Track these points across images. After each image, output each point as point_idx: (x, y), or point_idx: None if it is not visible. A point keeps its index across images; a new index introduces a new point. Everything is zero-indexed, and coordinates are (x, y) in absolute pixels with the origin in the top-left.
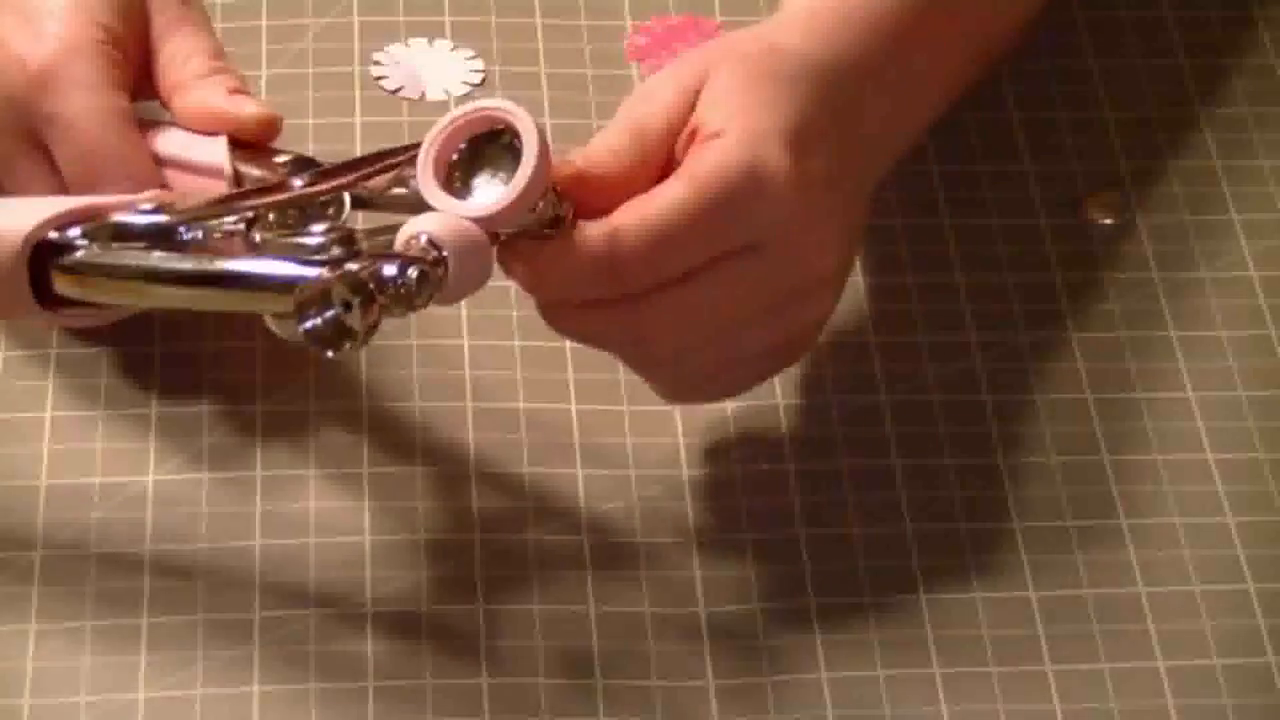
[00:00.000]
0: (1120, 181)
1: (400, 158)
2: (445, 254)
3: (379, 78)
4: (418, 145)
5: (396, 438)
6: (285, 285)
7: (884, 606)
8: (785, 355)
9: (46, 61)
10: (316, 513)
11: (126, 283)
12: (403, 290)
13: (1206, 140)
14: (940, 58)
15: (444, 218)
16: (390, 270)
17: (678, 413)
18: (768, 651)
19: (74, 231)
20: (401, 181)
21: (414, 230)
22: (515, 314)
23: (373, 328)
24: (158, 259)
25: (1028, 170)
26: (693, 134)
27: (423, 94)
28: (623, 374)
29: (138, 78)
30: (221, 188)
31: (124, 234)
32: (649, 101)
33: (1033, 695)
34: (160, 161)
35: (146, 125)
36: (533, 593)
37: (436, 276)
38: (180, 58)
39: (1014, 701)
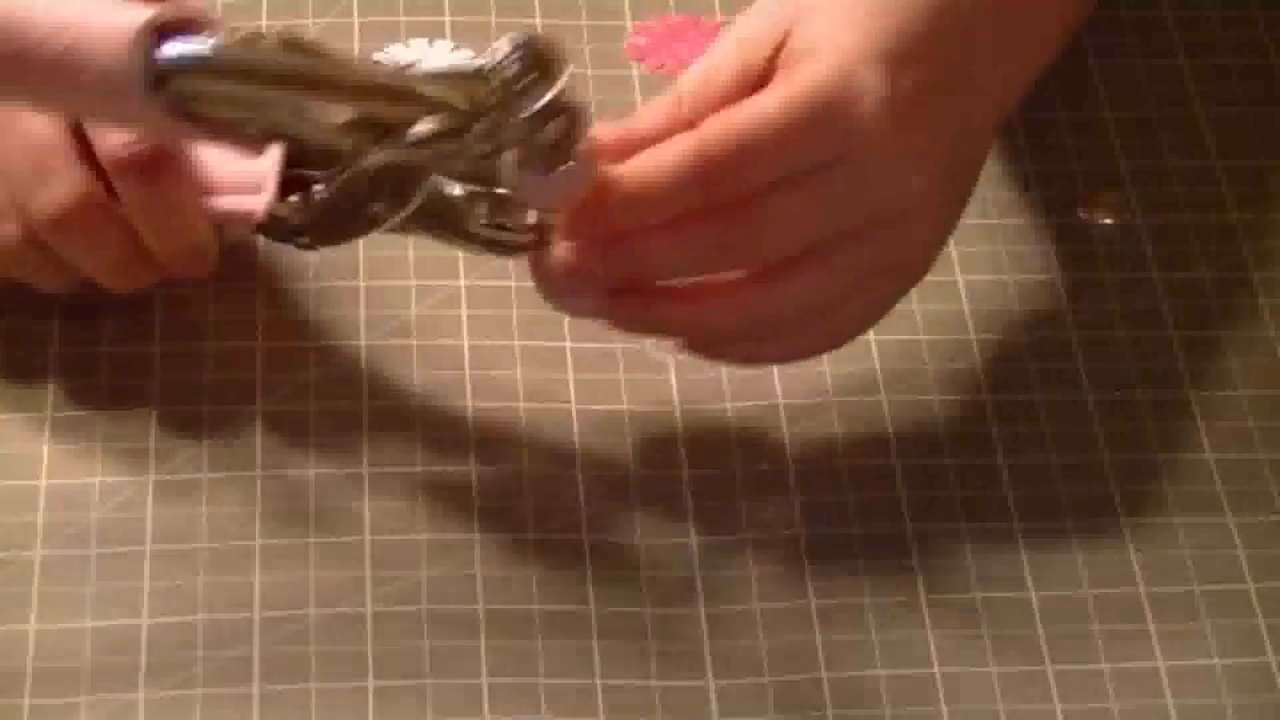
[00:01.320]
0: (1120, 181)
1: None
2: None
3: None
4: None
5: (396, 437)
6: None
7: (884, 606)
8: (879, 290)
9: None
10: (316, 512)
11: (270, 82)
12: (564, 112)
13: (1206, 140)
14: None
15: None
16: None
17: (678, 412)
18: (768, 651)
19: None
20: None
21: None
22: (515, 314)
23: (556, 113)
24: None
25: (1028, 170)
26: (786, 56)
27: None
28: (623, 374)
29: None
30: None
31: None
32: (748, 27)
33: (1033, 695)
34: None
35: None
36: (533, 592)
37: (576, 133)
38: None
39: (1014, 701)
